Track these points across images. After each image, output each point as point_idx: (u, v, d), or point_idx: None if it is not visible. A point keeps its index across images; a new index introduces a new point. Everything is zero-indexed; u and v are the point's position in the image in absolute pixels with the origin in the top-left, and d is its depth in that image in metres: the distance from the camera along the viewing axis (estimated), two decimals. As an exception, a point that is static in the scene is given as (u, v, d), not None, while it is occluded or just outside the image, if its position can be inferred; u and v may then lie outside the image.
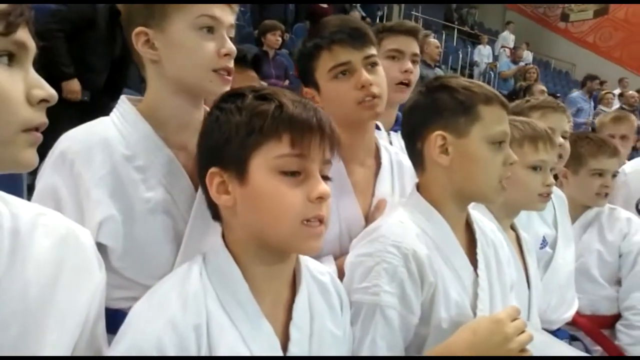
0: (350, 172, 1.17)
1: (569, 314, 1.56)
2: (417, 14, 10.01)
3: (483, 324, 0.90)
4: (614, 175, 1.73)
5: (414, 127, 1.03)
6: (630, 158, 2.57)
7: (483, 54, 9.79)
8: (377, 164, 1.22)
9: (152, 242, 0.91)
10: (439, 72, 5.80)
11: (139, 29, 0.92)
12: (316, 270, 0.88)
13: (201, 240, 0.90)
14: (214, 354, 0.71)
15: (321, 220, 0.75)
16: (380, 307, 0.91)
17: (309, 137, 0.74)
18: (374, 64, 1.16)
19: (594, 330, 1.71)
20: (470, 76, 9.46)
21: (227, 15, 0.95)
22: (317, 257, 1.13)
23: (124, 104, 0.97)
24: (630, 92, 7.92)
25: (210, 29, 0.93)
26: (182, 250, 0.92)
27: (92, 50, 2.91)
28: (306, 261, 0.87)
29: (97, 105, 2.87)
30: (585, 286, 1.69)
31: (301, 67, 1.21)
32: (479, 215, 1.12)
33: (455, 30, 10.84)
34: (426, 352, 0.93)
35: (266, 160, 0.74)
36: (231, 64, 0.95)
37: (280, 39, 4.76)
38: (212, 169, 0.76)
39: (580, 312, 1.66)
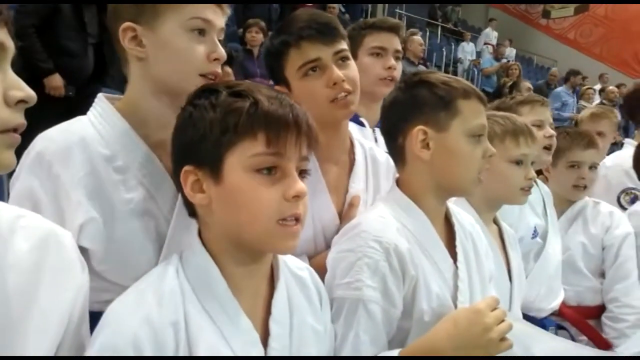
0: (324, 171, 1.16)
1: (556, 303, 1.60)
2: (400, 11, 10.03)
3: (463, 314, 0.91)
4: (592, 167, 1.74)
5: (394, 122, 1.03)
6: (610, 152, 2.62)
7: (467, 51, 9.86)
8: (350, 161, 1.21)
9: (134, 244, 0.90)
10: (422, 69, 5.83)
11: (127, 24, 0.90)
12: (294, 266, 0.88)
13: (183, 240, 0.89)
14: (193, 351, 0.71)
15: (297, 219, 0.75)
16: (363, 302, 0.91)
17: (284, 134, 0.73)
18: (344, 59, 1.13)
19: (580, 321, 1.74)
20: (454, 73, 9.50)
21: (219, 18, 0.94)
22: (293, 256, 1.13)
23: (101, 103, 0.95)
24: (611, 87, 8.06)
25: (202, 32, 0.91)
26: (165, 251, 0.91)
27: (64, 36, 2.89)
28: (284, 256, 0.87)
29: (83, 98, 2.85)
30: (571, 278, 1.73)
31: (270, 65, 1.18)
32: (457, 209, 1.13)
33: (439, 27, 10.90)
34: (409, 345, 0.94)
35: (241, 159, 0.72)
36: (219, 69, 0.94)
37: (257, 35, 4.70)
38: (187, 167, 0.75)
39: (566, 303, 1.70)
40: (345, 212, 1.14)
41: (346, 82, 1.10)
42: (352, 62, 1.15)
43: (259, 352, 0.75)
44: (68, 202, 0.86)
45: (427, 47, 8.24)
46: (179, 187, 0.78)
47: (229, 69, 1.71)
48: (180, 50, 0.90)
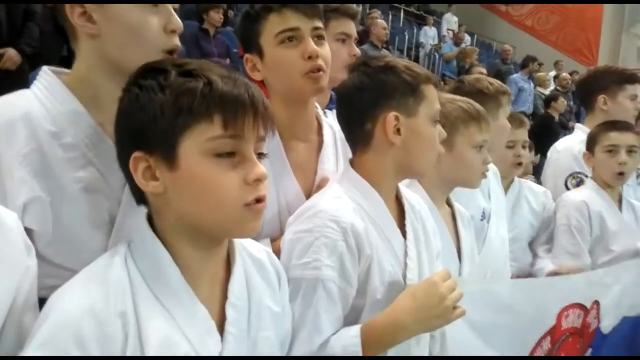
0: (289, 149, 1.15)
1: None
2: (364, -6, 9.98)
3: (420, 287, 0.96)
4: (524, 146, 1.86)
5: (363, 108, 1.02)
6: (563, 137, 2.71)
7: (429, 35, 9.94)
8: (320, 142, 1.21)
9: (84, 225, 0.86)
10: (386, 53, 5.84)
11: None
12: (252, 248, 0.87)
13: (135, 225, 0.84)
14: (145, 342, 0.68)
15: (261, 200, 0.73)
16: (322, 282, 0.92)
17: (242, 116, 0.70)
18: (321, 37, 1.14)
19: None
20: (417, 58, 9.61)
21: None
22: (255, 239, 1.11)
23: (47, 77, 0.90)
24: (564, 74, 8.33)
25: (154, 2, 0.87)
26: (115, 234, 0.87)
27: None
28: (241, 240, 0.85)
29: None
30: (516, 255, 1.84)
31: (246, 30, 1.17)
32: (406, 189, 1.15)
33: (402, 11, 10.93)
34: (369, 320, 0.95)
35: (198, 144, 0.69)
36: (178, 42, 0.90)
37: (216, 16, 4.60)
38: (136, 154, 0.71)
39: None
40: (314, 194, 1.14)
41: (320, 59, 1.11)
42: (327, 44, 1.16)
43: (216, 340, 0.74)
44: (11, 181, 0.82)
45: (390, 31, 8.25)
46: (127, 175, 0.74)
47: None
48: (135, 24, 0.86)
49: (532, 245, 1.96)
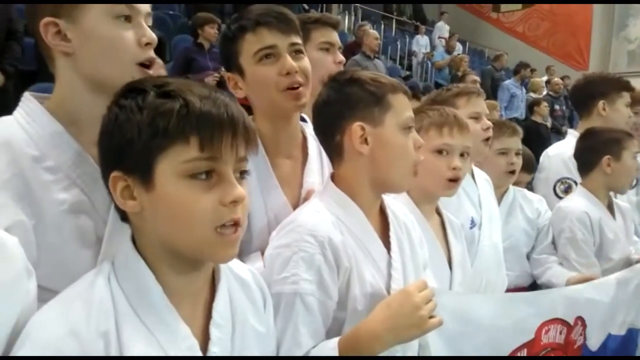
0: (275, 165, 1.17)
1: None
2: (356, 4, 10.07)
3: (395, 297, 0.96)
4: (517, 153, 1.86)
5: (330, 120, 1.05)
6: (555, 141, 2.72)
7: (421, 44, 10.01)
8: (304, 155, 1.22)
9: (70, 247, 0.86)
10: (378, 63, 5.88)
11: (47, 19, 0.86)
12: (236, 268, 0.87)
13: (122, 243, 0.86)
14: None
15: (237, 224, 0.72)
16: (300, 295, 0.93)
17: (219, 136, 0.70)
18: (299, 52, 1.16)
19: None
20: (409, 66, 9.68)
21: (144, 3, 0.91)
22: (245, 254, 1.11)
23: (29, 102, 0.91)
24: (556, 79, 8.40)
25: (127, 18, 0.88)
26: (102, 256, 0.87)
27: None
28: None
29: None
30: (513, 263, 1.82)
31: (225, 51, 1.19)
32: (391, 200, 1.16)
33: (394, 20, 11.02)
34: (346, 332, 0.96)
35: (173, 165, 0.69)
36: (153, 54, 0.92)
37: (211, 30, 4.65)
38: (115, 173, 0.71)
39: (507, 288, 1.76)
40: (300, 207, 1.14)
41: (299, 74, 1.12)
42: (305, 57, 1.18)
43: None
44: None
45: (382, 40, 8.32)
46: (109, 192, 0.74)
47: (160, 61, 1.64)
48: (109, 40, 0.87)
49: (529, 254, 1.92)
